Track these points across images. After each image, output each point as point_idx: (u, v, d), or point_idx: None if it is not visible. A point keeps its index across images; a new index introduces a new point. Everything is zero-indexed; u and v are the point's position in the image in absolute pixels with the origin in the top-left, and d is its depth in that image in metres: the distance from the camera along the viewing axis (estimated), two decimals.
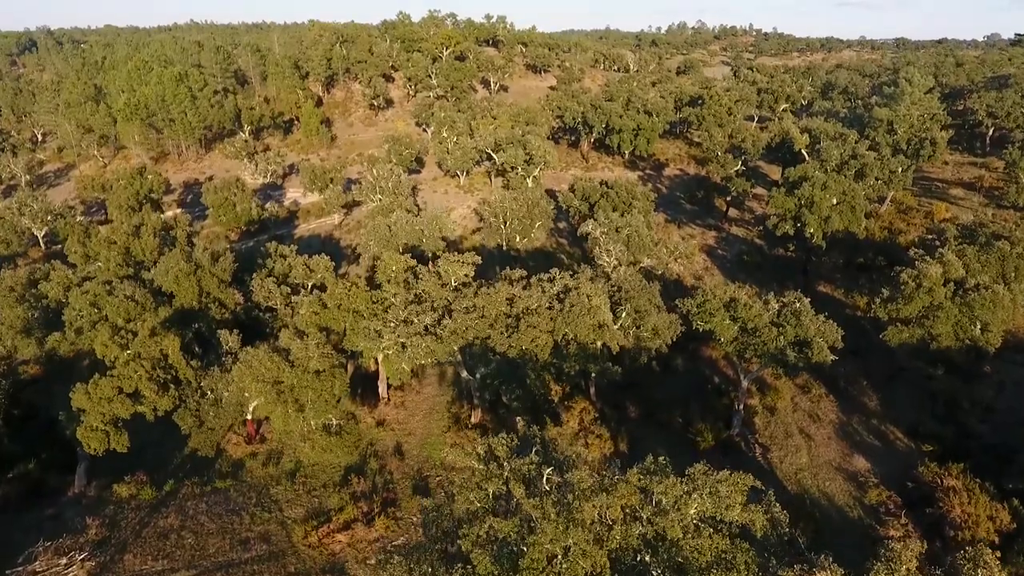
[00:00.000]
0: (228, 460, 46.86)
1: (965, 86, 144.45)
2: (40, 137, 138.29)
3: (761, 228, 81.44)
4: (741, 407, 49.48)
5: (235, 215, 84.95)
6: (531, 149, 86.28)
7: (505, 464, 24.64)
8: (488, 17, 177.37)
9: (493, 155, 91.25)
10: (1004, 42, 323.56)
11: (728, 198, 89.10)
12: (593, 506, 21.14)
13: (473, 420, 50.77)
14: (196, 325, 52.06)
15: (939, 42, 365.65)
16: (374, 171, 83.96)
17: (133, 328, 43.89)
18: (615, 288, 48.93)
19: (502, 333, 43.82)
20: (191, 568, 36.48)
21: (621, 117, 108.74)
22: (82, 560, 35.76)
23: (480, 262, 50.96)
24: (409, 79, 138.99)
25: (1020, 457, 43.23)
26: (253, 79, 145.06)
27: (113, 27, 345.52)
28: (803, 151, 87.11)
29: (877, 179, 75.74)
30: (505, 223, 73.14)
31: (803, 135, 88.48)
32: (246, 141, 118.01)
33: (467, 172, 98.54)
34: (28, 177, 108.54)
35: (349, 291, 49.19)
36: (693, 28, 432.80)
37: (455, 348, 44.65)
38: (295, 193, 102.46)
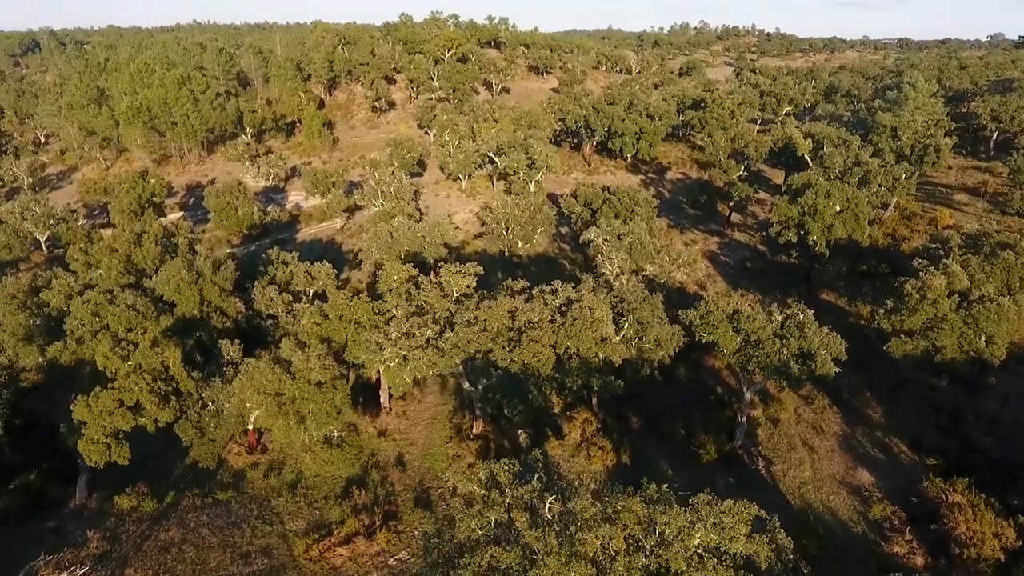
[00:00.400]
0: (229, 471, 46.74)
1: (969, 89, 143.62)
2: (43, 139, 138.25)
3: (764, 234, 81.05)
4: (744, 419, 49.13)
5: (237, 219, 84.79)
6: (533, 153, 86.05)
7: (507, 491, 24.40)
8: (490, 18, 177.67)
9: (495, 159, 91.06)
10: (1008, 42, 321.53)
11: (731, 203, 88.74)
12: (596, 537, 20.92)
13: (475, 431, 50.62)
14: (197, 334, 52.07)
15: (942, 42, 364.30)
16: (376, 175, 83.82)
17: (134, 338, 43.79)
18: (618, 299, 48.66)
19: (504, 347, 43.54)
20: None
21: (623, 121, 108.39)
22: (83, 575, 35.69)
23: (482, 272, 50.70)
24: (411, 81, 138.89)
25: None
26: (255, 81, 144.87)
27: (116, 27, 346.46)
28: (806, 156, 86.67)
29: (881, 186, 75.30)
30: (507, 229, 72.98)
31: (806, 140, 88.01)
32: (248, 144, 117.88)
33: (469, 176, 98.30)
34: (31, 180, 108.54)
35: (351, 302, 49.04)
36: (696, 28, 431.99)
37: (457, 361, 44.43)
38: (297, 196, 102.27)
